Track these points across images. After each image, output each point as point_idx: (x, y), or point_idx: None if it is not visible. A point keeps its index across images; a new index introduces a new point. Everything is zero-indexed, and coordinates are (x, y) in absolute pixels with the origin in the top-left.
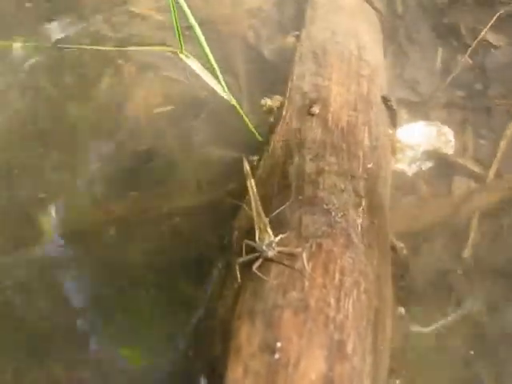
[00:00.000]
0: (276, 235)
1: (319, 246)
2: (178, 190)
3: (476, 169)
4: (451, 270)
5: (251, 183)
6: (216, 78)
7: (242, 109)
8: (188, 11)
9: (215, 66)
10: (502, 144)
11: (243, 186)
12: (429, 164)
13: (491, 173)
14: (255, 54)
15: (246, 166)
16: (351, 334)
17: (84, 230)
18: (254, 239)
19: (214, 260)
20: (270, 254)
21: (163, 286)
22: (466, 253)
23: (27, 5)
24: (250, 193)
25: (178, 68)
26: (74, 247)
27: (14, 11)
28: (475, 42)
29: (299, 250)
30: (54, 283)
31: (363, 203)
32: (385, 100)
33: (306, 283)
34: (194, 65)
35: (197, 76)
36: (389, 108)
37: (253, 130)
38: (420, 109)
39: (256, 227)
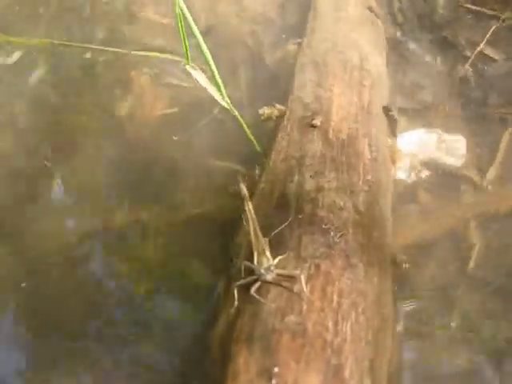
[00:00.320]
0: (275, 256)
1: (317, 267)
2: (178, 202)
3: (476, 177)
4: (454, 283)
5: (249, 206)
6: (219, 89)
7: (244, 118)
8: (194, 25)
9: (218, 79)
10: (500, 152)
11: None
12: (427, 173)
13: (489, 177)
14: (257, 61)
15: (244, 189)
16: (349, 358)
17: (84, 240)
18: (252, 258)
19: (214, 274)
20: (269, 277)
21: (163, 301)
22: (470, 265)
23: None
24: (248, 216)
25: (183, 74)
26: (73, 258)
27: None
28: (474, 53)
29: (298, 272)
30: None
31: (363, 219)
32: (386, 110)
33: (304, 306)
34: (199, 76)
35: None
36: (390, 118)
37: (253, 140)
38: (420, 116)
39: (254, 250)
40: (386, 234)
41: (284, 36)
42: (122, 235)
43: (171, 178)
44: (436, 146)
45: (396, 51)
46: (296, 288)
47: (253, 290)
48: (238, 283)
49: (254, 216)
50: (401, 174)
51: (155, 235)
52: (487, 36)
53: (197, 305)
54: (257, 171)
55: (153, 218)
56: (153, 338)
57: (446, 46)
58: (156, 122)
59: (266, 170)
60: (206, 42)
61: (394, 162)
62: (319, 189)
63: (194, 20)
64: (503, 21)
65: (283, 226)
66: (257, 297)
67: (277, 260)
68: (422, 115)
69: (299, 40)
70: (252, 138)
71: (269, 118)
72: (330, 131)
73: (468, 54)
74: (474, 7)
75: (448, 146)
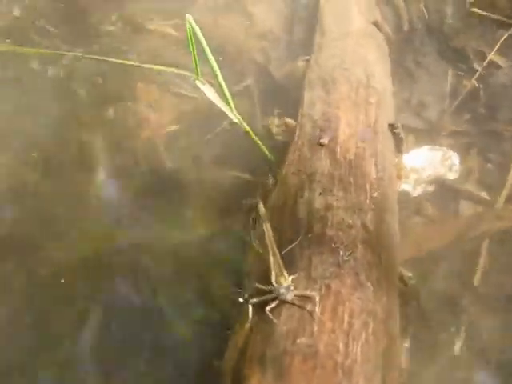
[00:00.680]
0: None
1: (328, 287)
2: (189, 219)
3: (481, 194)
4: (461, 297)
5: (267, 226)
6: (228, 103)
7: (253, 130)
8: (203, 40)
9: (227, 92)
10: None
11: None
12: (432, 189)
13: (502, 198)
14: (266, 76)
15: (262, 209)
16: (359, 380)
17: (88, 257)
18: (265, 276)
19: (225, 294)
20: (289, 297)
21: (171, 319)
22: (476, 280)
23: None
24: (266, 235)
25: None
26: (81, 275)
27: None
28: (482, 65)
29: (314, 293)
30: None
31: (371, 237)
32: (392, 128)
33: (316, 328)
34: (209, 92)
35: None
36: (396, 136)
37: (265, 150)
38: (426, 134)
39: (272, 269)
40: (393, 251)
41: (292, 52)
42: (130, 253)
43: (181, 191)
44: (441, 163)
45: (402, 64)
46: (309, 308)
47: (268, 308)
48: (254, 301)
49: (271, 236)
50: (406, 187)
51: (165, 254)
52: (497, 46)
53: (209, 326)
54: (270, 181)
55: (163, 236)
56: (164, 361)
57: (453, 58)
58: (165, 134)
59: (278, 181)
60: (214, 57)
61: (399, 178)
62: (328, 206)
63: (204, 34)
64: None
65: (293, 245)
66: (270, 316)
67: (290, 279)
68: (427, 132)
69: (307, 57)
70: (264, 148)
71: (277, 127)
72: (338, 150)
73: (476, 66)
74: (484, 13)
75: (451, 163)
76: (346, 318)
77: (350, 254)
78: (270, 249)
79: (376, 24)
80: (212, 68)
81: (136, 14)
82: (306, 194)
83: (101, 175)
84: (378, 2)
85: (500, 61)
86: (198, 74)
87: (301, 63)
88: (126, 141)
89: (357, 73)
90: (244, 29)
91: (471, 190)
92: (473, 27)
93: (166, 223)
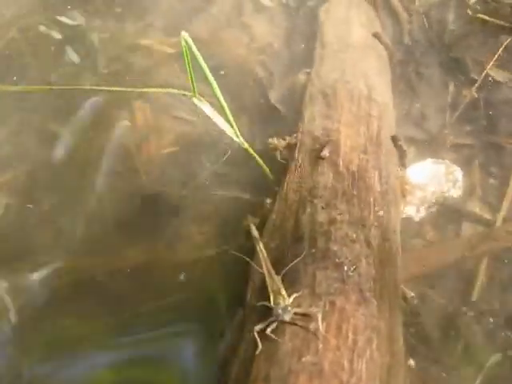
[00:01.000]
0: (290, 294)
1: (332, 304)
2: (186, 241)
3: (484, 211)
4: (460, 316)
5: (260, 246)
6: (228, 121)
7: (253, 148)
8: (200, 58)
9: (227, 111)
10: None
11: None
12: (437, 206)
13: (500, 218)
14: (266, 92)
15: (254, 230)
16: None
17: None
18: (266, 296)
19: (227, 316)
20: (286, 317)
21: (172, 342)
22: (474, 297)
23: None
24: (260, 256)
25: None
26: (78, 297)
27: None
28: (481, 76)
29: (314, 310)
30: None
31: (374, 253)
32: (394, 140)
33: (320, 345)
34: (207, 109)
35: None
36: (398, 148)
37: (266, 169)
38: (427, 145)
39: (270, 290)
40: (396, 267)
41: (292, 65)
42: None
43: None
44: (445, 177)
45: (403, 76)
46: (312, 326)
47: (269, 330)
48: (258, 328)
49: (266, 256)
50: (409, 210)
51: (164, 273)
52: (498, 52)
53: (211, 345)
54: (268, 201)
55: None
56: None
57: (453, 68)
58: (162, 155)
59: (277, 200)
60: (213, 74)
61: (403, 194)
62: (331, 221)
63: (200, 50)
64: None
65: (296, 260)
66: (273, 337)
67: (292, 298)
68: (429, 145)
69: (308, 70)
70: (265, 167)
71: (276, 149)
72: (340, 163)
73: (475, 77)
74: (488, 18)
75: (455, 178)
76: (351, 335)
77: (354, 270)
78: (265, 270)
79: (376, 36)
80: (211, 85)
81: (133, 30)
82: (309, 209)
83: (99, 195)
84: (378, 14)
85: (498, 75)
86: (194, 92)
87: (302, 76)
88: (125, 162)
89: (358, 85)
90: (244, 44)
91: (474, 211)
92: (474, 37)
93: (165, 244)
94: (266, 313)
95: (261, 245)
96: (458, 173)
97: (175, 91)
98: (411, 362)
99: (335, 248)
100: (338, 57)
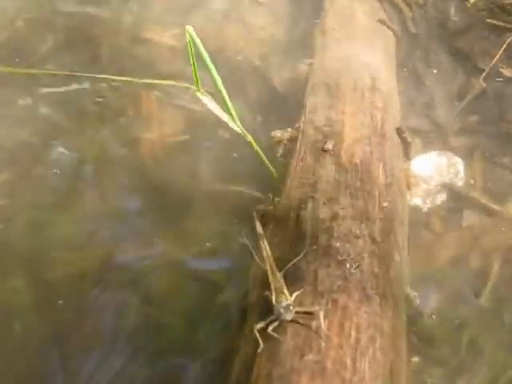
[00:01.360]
0: (292, 292)
1: (335, 302)
2: (189, 235)
3: (488, 202)
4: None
5: (264, 243)
6: (230, 114)
7: (256, 142)
8: (204, 51)
9: (229, 103)
10: None
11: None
12: (442, 198)
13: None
14: (268, 83)
15: (259, 226)
16: None
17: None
18: (267, 290)
19: (229, 312)
20: (288, 316)
21: (174, 341)
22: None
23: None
24: (264, 254)
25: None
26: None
27: None
28: (489, 67)
29: (316, 308)
30: None
31: (379, 249)
32: (399, 132)
33: (323, 344)
34: (210, 103)
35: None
36: (403, 140)
37: (268, 165)
38: (433, 136)
39: (272, 288)
40: (401, 263)
41: (293, 56)
42: (130, 268)
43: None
44: (447, 169)
45: (408, 65)
46: (314, 325)
47: (270, 329)
48: (259, 326)
49: (270, 254)
50: (416, 201)
51: (169, 269)
52: (503, 47)
53: (211, 343)
54: (270, 195)
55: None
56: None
57: (460, 59)
58: (167, 146)
59: (281, 195)
60: (215, 66)
61: (408, 186)
62: (334, 216)
63: (203, 43)
64: None
65: (298, 258)
66: (275, 335)
67: (294, 296)
68: (435, 135)
69: (310, 60)
70: (266, 160)
71: (280, 141)
72: (343, 155)
73: (483, 66)
74: (495, 22)
75: (456, 170)
76: (353, 334)
77: (357, 267)
78: (268, 268)
79: (382, 21)
80: (213, 79)
81: (136, 24)
82: (310, 204)
83: (102, 189)
84: (383, 6)
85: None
86: (198, 86)
87: (304, 67)
88: (128, 153)
89: (362, 75)
90: (245, 35)
91: (477, 199)
92: (480, 27)
93: (168, 237)
94: (268, 311)
95: (265, 242)
96: (460, 164)
97: (180, 84)
98: (416, 359)
99: (337, 244)
100: (341, 46)
